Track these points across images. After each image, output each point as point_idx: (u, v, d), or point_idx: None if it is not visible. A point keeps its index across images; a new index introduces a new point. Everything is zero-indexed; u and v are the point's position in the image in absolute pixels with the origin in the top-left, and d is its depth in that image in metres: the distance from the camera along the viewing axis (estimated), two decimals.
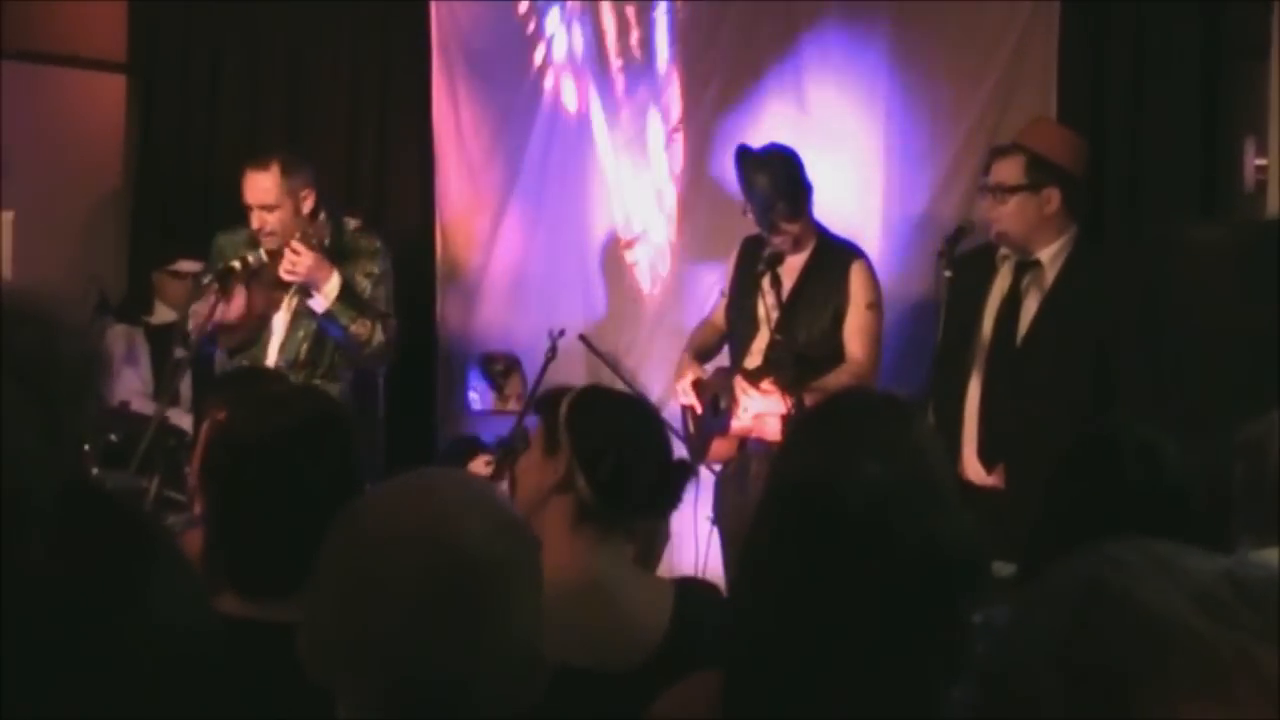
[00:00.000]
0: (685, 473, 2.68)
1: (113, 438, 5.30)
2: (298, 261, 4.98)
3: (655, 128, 6.29)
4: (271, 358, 5.12)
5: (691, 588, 2.64)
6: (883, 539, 1.50)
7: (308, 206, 5.11)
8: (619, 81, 6.34)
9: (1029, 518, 2.45)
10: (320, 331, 5.10)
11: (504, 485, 3.42)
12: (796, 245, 5.06)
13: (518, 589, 1.52)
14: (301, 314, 5.11)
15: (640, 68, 6.31)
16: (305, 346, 5.13)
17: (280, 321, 5.16)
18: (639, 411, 2.75)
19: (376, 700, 1.50)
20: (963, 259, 4.59)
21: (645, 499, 2.59)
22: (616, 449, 2.57)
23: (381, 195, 6.62)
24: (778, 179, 5.01)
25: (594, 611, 2.40)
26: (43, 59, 6.40)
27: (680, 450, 5.62)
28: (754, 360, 5.09)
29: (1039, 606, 1.05)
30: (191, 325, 5.05)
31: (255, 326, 5.13)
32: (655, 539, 2.91)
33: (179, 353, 5.95)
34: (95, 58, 6.75)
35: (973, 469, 4.58)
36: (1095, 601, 1.01)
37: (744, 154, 5.19)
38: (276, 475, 2.28)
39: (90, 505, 2.02)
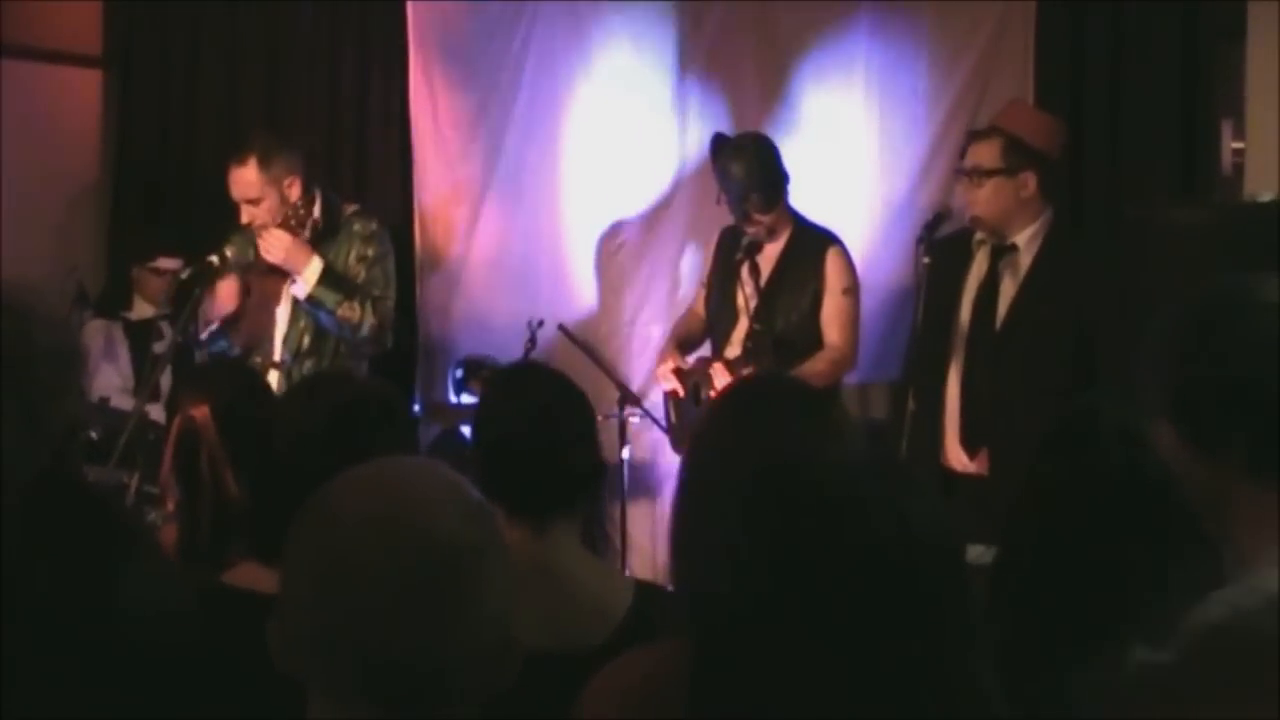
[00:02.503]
0: (591, 474, 2.61)
1: (92, 434, 5.28)
2: (273, 245, 4.95)
3: (635, 116, 6.29)
4: (277, 350, 5.09)
5: (651, 586, 2.65)
6: (857, 520, 1.50)
7: (295, 193, 5.05)
8: (598, 71, 6.33)
9: (1008, 502, 2.45)
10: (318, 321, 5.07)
11: None
12: (771, 234, 5.08)
13: (489, 574, 1.52)
14: (299, 304, 5.07)
15: (620, 57, 6.30)
16: (306, 337, 5.08)
17: (282, 313, 5.12)
18: (538, 401, 2.61)
19: (349, 689, 1.49)
20: (940, 245, 4.58)
21: (533, 490, 2.52)
22: (498, 441, 2.57)
23: (360, 187, 6.59)
24: (752, 168, 5.03)
25: (546, 595, 2.39)
26: (18, 53, 6.37)
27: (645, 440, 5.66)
28: (734, 349, 5.09)
29: None
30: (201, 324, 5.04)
31: (263, 320, 5.10)
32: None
33: (158, 348, 5.94)
34: (71, 52, 6.73)
35: (955, 456, 4.59)
36: None
37: (719, 142, 5.20)
38: (340, 455, 2.26)
39: (66, 497, 2.02)
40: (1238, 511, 1.77)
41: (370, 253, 5.10)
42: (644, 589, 2.54)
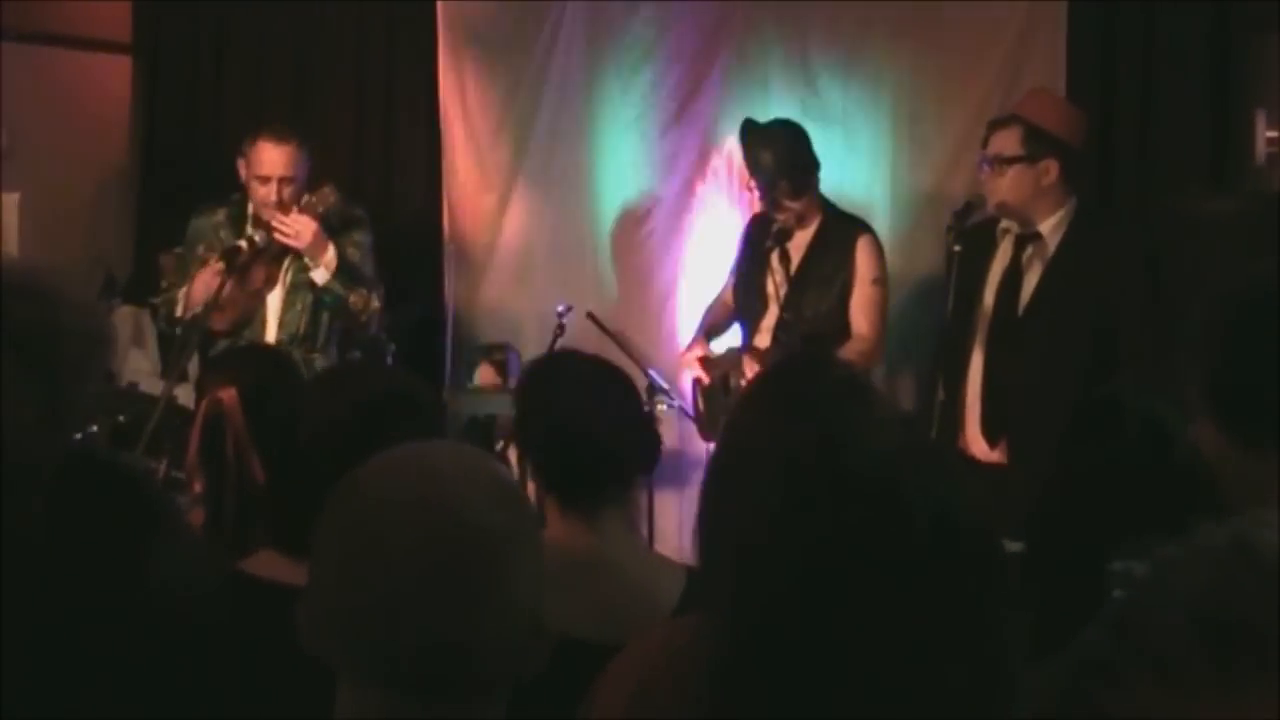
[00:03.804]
0: (644, 447, 2.60)
1: (121, 418, 5.30)
2: (301, 229, 4.98)
3: (663, 104, 6.27)
4: (271, 333, 5.11)
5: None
6: (896, 508, 1.48)
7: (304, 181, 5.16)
8: (626, 58, 6.32)
9: (1032, 491, 2.44)
10: (315, 305, 5.11)
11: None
12: (800, 222, 5.07)
13: (517, 557, 1.51)
14: (297, 287, 5.11)
15: (648, 44, 6.28)
16: (304, 320, 5.13)
17: (275, 297, 5.16)
18: (583, 388, 2.60)
19: (377, 671, 1.49)
20: (966, 234, 4.57)
21: (589, 479, 2.51)
22: (549, 433, 2.54)
23: (388, 175, 6.60)
24: (781, 155, 5.01)
25: (600, 587, 2.39)
26: (47, 40, 6.40)
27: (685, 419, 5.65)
28: (763, 338, 5.08)
29: (1183, 561, 1.06)
30: (197, 303, 5.01)
31: (252, 305, 5.12)
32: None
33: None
34: (100, 38, 6.75)
35: (977, 444, 4.57)
36: (1242, 560, 1.02)
37: (749, 128, 5.18)
38: (365, 447, 2.26)
39: (93, 476, 2.03)
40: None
41: (364, 240, 5.22)
42: (696, 576, 2.48)
